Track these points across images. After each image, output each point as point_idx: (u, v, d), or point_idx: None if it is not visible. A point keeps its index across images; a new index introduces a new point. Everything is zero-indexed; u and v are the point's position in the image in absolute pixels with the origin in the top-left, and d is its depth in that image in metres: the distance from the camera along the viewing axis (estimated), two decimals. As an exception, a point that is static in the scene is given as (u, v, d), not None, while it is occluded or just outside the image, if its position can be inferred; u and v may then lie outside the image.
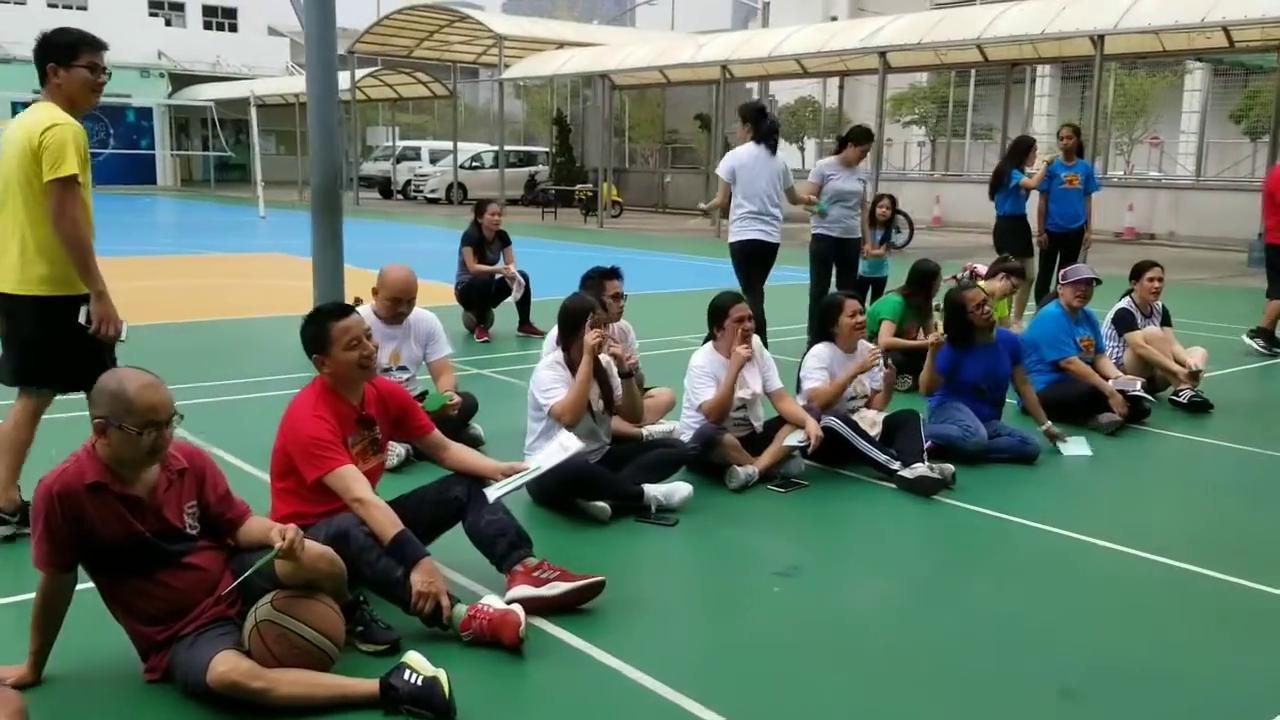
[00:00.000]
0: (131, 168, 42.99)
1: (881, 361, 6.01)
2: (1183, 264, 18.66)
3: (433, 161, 36.81)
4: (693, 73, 25.59)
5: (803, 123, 43.25)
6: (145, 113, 44.37)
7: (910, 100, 42.71)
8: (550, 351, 5.36)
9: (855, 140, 9.00)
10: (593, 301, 5.13)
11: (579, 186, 29.27)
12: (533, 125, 48.56)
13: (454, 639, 3.60)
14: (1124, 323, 7.70)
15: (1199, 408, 7.29)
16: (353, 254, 8.48)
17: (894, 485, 5.46)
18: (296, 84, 40.21)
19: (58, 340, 4.41)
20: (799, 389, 5.93)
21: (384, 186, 38.24)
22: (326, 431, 3.80)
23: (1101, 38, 16.56)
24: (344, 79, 34.85)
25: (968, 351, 6.21)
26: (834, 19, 39.52)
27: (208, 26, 48.89)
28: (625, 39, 30.63)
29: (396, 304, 5.89)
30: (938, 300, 9.12)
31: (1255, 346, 9.62)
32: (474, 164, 34.97)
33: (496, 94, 30.42)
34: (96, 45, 4.45)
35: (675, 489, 5.03)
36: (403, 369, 6.00)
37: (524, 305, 9.85)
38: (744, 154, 8.11)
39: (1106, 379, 7.04)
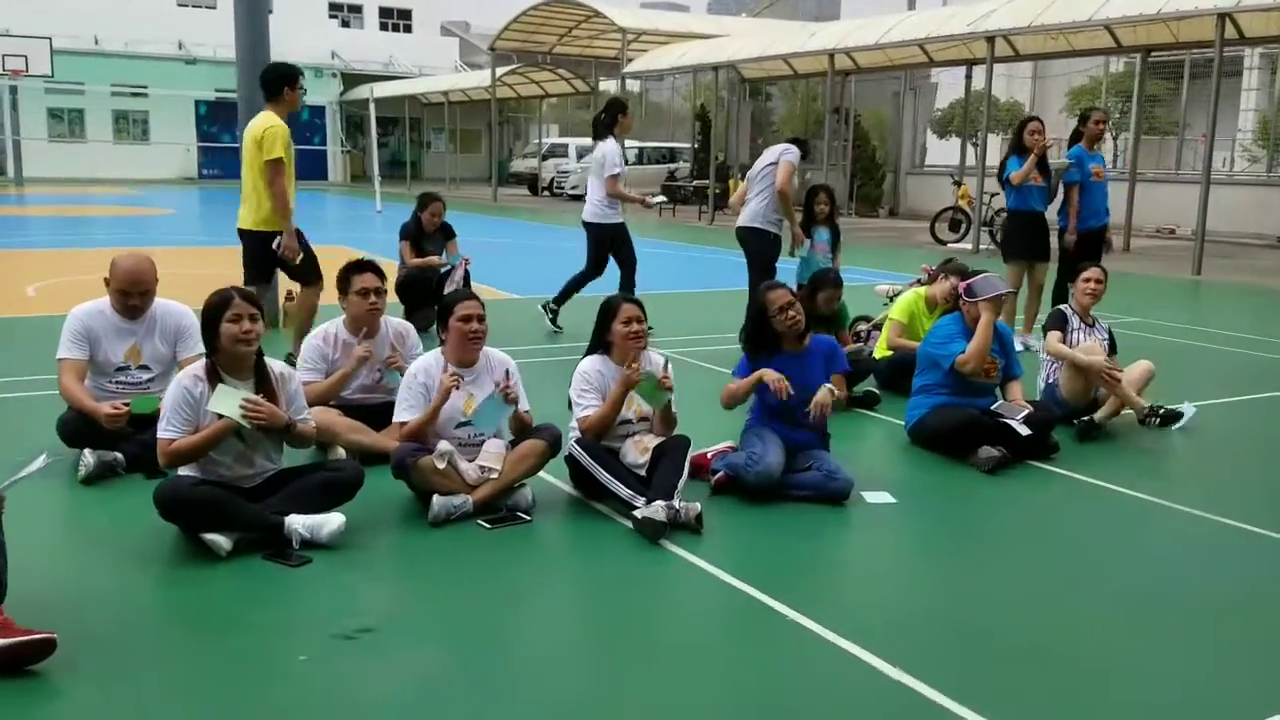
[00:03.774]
0: (304, 164, 44.53)
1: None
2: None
3: (579, 158, 36.66)
4: (816, 63, 24.35)
5: (974, 117, 41.03)
6: (318, 111, 46.05)
7: (1090, 93, 39.88)
8: None
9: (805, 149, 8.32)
10: (231, 293, 4.38)
11: (697, 182, 28.50)
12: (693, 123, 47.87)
13: None
14: (1055, 321, 6.46)
15: (1168, 419, 6.10)
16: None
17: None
18: (458, 80, 40.93)
19: (261, 255, 7.30)
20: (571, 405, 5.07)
21: (532, 183, 38.41)
22: None
23: (1223, 17, 14.60)
24: (485, 76, 35.21)
25: (769, 363, 5.17)
26: None
27: (383, 27, 50.30)
28: (748, 29, 29.57)
29: (125, 297, 5.32)
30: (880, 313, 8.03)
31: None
32: (619, 161, 34.56)
33: (642, 87, 29.90)
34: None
35: (324, 521, 4.26)
36: (144, 368, 5.43)
37: (463, 301, 9.19)
38: None
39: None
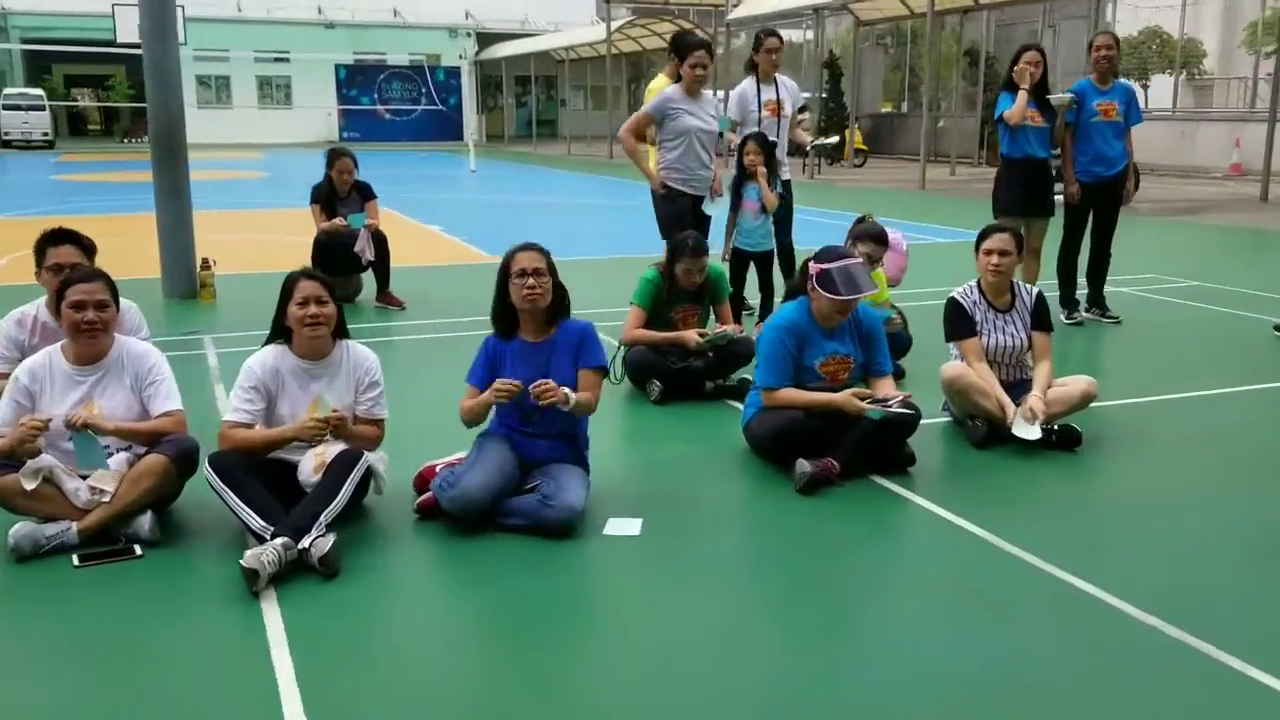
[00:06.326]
0: (440, 125, 44.74)
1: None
2: None
3: (704, 111, 35.42)
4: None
5: (1146, 57, 37.76)
6: (453, 72, 46.05)
7: (1268, 26, 36.02)
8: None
9: (683, 50, 6.78)
10: None
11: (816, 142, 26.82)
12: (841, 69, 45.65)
13: None
14: (955, 324, 5.07)
15: (1065, 441, 4.77)
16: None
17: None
18: (579, 35, 40.09)
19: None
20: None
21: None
22: None
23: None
24: (602, 30, 34.24)
25: (505, 352, 4.10)
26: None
27: (518, -16, 49.76)
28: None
29: None
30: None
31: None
32: (738, 112, 33.18)
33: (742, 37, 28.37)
34: (706, 47, 7.03)
35: None
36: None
37: (381, 270, 8.32)
38: None
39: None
